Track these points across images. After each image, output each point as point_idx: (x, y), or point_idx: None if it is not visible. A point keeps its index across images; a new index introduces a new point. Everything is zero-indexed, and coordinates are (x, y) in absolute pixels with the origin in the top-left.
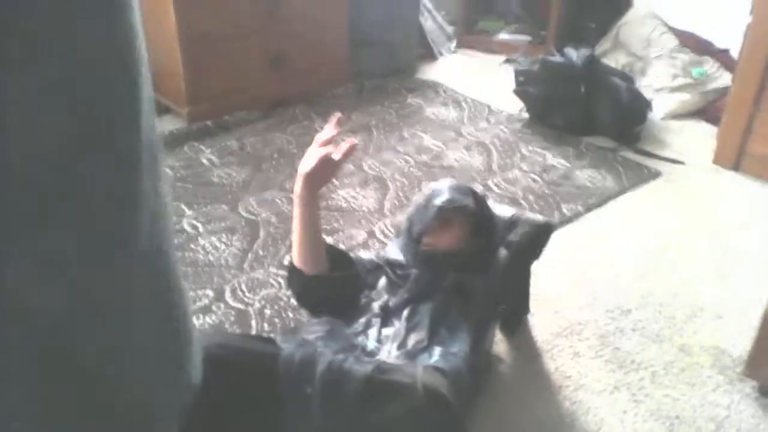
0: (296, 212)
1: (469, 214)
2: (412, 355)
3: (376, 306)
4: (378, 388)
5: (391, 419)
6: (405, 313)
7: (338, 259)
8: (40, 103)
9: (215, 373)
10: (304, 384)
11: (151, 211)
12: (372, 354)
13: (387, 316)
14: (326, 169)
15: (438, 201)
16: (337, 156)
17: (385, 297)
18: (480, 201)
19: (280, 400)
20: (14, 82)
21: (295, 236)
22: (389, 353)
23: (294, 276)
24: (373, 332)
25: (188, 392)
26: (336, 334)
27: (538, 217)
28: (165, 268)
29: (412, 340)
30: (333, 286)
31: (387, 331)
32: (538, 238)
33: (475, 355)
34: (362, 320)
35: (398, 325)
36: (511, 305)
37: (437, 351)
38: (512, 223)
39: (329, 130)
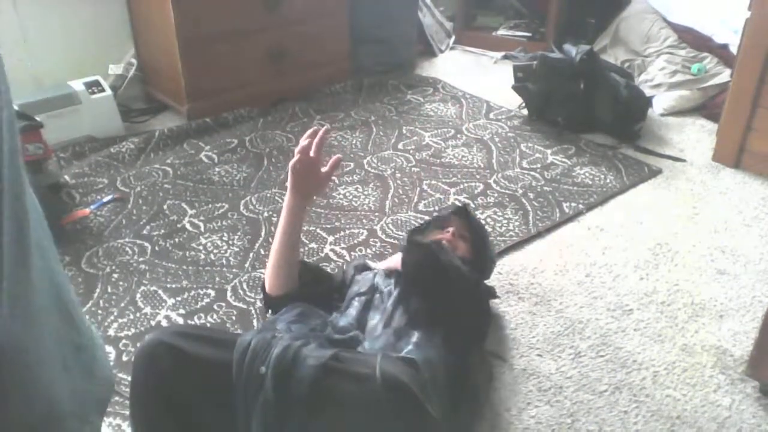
0: (279, 223)
1: (466, 217)
2: (397, 335)
3: (362, 288)
4: (334, 377)
5: (349, 408)
6: (395, 297)
7: (310, 276)
8: None
9: (173, 360)
10: (258, 364)
11: None
12: (344, 330)
13: (373, 298)
14: (312, 176)
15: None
16: (324, 168)
17: (373, 284)
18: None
19: (234, 385)
20: None
21: (271, 253)
22: (375, 330)
23: (264, 297)
24: (352, 312)
25: (99, 387)
26: (307, 316)
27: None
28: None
29: (396, 321)
30: (299, 299)
31: (373, 314)
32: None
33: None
34: (346, 301)
35: (386, 306)
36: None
37: (413, 338)
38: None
39: (310, 132)
